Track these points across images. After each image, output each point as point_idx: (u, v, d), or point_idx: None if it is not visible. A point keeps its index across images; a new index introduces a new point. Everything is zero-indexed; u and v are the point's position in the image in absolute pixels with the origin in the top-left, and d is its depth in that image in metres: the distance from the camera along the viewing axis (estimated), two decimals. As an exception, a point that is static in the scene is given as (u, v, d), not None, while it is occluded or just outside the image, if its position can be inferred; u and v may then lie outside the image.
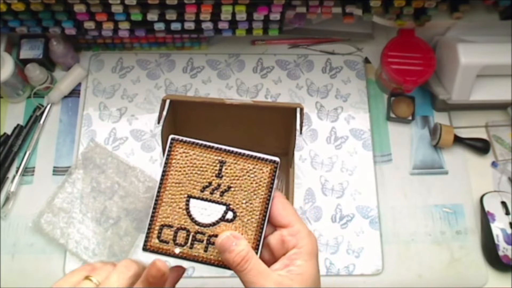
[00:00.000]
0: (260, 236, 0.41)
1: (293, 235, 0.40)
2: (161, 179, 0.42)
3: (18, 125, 0.75)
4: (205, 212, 0.42)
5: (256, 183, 0.42)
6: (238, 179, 0.42)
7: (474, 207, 0.72)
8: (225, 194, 0.42)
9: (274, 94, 0.79)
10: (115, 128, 0.76)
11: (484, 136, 0.77)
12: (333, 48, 0.82)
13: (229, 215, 0.42)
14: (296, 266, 0.39)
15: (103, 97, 0.78)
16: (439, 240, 0.71)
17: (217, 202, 0.42)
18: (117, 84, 0.79)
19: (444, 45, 0.74)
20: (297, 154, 0.74)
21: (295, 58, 0.81)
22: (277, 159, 0.41)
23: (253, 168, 0.41)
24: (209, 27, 0.68)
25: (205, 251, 0.42)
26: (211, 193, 0.42)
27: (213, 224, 0.42)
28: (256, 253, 0.41)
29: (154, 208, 0.42)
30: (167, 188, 0.42)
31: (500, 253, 0.67)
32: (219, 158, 0.41)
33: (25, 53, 0.75)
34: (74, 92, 0.78)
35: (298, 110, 0.61)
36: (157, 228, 0.42)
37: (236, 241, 0.40)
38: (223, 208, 0.42)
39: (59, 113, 0.77)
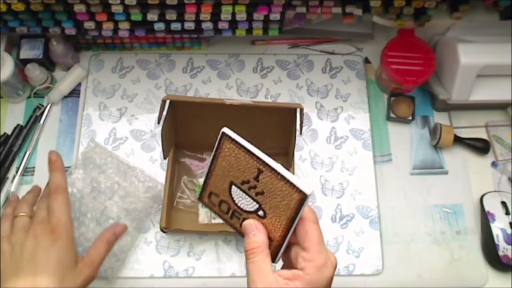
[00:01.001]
0: (281, 246, 0.44)
1: (306, 261, 0.42)
2: (213, 158, 0.45)
3: (18, 125, 0.75)
4: (242, 200, 0.45)
5: (285, 203, 0.42)
6: (271, 191, 0.43)
7: (474, 207, 0.72)
8: (259, 195, 0.44)
9: (274, 94, 0.79)
10: (115, 128, 0.76)
11: (484, 136, 0.77)
12: (333, 48, 0.82)
13: (261, 213, 0.44)
14: (294, 285, 0.41)
15: (103, 97, 0.78)
16: (439, 240, 0.71)
17: (252, 198, 0.44)
18: (117, 84, 0.79)
19: (444, 45, 0.74)
20: (297, 154, 0.74)
21: (295, 58, 0.81)
22: (308, 191, 0.41)
23: (285, 189, 0.42)
24: (209, 27, 0.68)
25: (240, 226, 0.46)
26: (249, 189, 0.44)
27: (248, 212, 0.45)
28: (274, 258, 0.44)
29: (207, 176, 0.46)
30: (216, 168, 0.45)
31: (500, 253, 0.68)
32: (258, 166, 0.43)
33: (25, 53, 0.75)
34: (74, 92, 0.78)
35: (298, 110, 0.61)
36: (208, 191, 0.47)
37: (256, 232, 0.43)
38: (257, 205, 0.44)
39: (59, 113, 0.77)
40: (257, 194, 0.44)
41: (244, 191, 0.44)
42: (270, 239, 0.44)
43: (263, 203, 0.44)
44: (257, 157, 0.43)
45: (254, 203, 0.44)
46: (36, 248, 0.50)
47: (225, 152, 0.44)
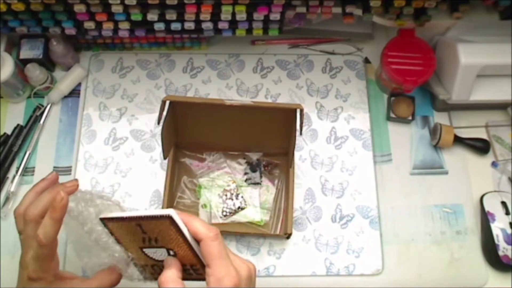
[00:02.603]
0: (201, 260, 0.46)
1: (209, 276, 0.44)
2: (117, 241, 0.48)
3: (18, 125, 0.75)
4: (156, 254, 0.48)
5: (170, 233, 0.45)
6: (157, 233, 0.46)
7: (474, 207, 0.72)
8: (158, 241, 0.46)
9: (274, 94, 0.79)
10: (115, 128, 0.76)
11: (484, 136, 0.76)
12: (333, 48, 0.82)
13: (172, 253, 0.47)
14: None
15: (103, 97, 0.78)
16: (439, 240, 0.71)
17: (158, 247, 0.47)
18: (117, 84, 0.79)
19: (444, 45, 0.74)
20: (297, 154, 0.74)
21: (295, 58, 0.81)
22: (168, 212, 0.43)
23: (159, 224, 0.45)
24: (209, 27, 0.68)
25: None
26: (149, 243, 0.47)
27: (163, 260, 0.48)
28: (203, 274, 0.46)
29: (130, 258, 0.49)
30: (125, 246, 0.48)
31: (500, 253, 0.68)
32: (135, 223, 0.46)
33: (25, 53, 0.75)
34: (74, 92, 0.78)
35: (298, 111, 0.61)
36: (141, 267, 0.50)
37: (169, 267, 0.46)
38: (164, 250, 0.47)
39: (59, 113, 0.77)
40: (156, 241, 0.46)
41: (150, 247, 0.47)
42: (194, 265, 0.47)
43: (165, 245, 0.46)
44: (127, 218, 0.46)
45: (162, 249, 0.47)
46: None
47: (116, 232, 0.47)
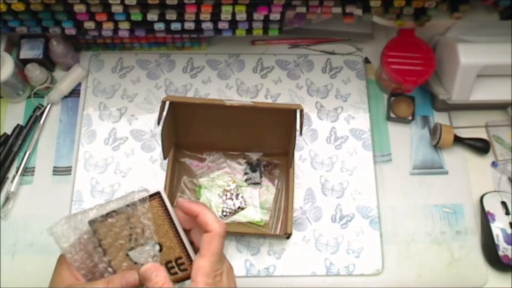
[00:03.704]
0: (187, 249, 0.48)
1: (198, 267, 0.45)
2: (104, 253, 0.48)
3: (18, 125, 0.75)
4: (142, 255, 0.48)
5: (157, 216, 0.48)
6: (144, 221, 0.48)
7: (474, 207, 0.72)
8: (144, 235, 0.48)
9: (274, 94, 0.79)
10: (115, 128, 0.76)
11: (484, 136, 0.77)
12: (333, 48, 0.82)
13: (157, 247, 0.48)
14: None
15: (103, 97, 0.78)
16: (439, 240, 0.71)
17: (144, 244, 0.48)
18: (117, 84, 0.79)
19: (444, 45, 0.74)
20: (297, 154, 0.74)
21: (295, 58, 0.81)
22: (158, 189, 0.48)
23: (147, 208, 0.48)
24: (209, 27, 0.68)
25: None
26: (136, 240, 0.48)
27: (151, 261, 0.48)
28: (191, 261, 0.48)
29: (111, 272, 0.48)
30: (112, 256, 0.48)
31: (500, 253, 0.68)
32: (125, 215, 0.48)
33: (25, 53, 0.75)
34: (74, 92, 0.78)
35: (298, 111, 0.61)
36: None
37: (156, 272, 0.46)
38: (151, 244, 0.48)
39: (59, 113, 0.77)
40: (142, 235, 0.48)
41: (136, 247, 0.48)
42: (180, 259, 0.48)
43: (152, 238, 0.48)
44: (117, 210, 0.48)
45: (148, 246, 0.48)
46: None
47: (103, 235, 0.48)
